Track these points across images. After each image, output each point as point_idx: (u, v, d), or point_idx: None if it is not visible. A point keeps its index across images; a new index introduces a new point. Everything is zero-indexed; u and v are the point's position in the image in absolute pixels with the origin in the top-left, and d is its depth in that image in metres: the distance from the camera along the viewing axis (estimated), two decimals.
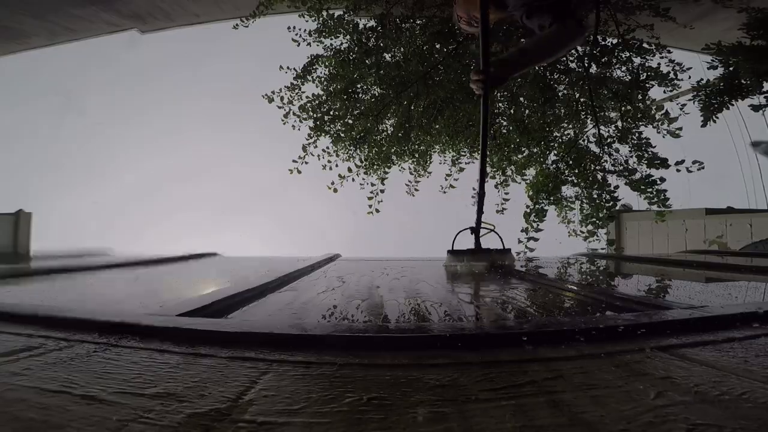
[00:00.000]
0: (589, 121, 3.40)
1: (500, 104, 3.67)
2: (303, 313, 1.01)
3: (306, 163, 3.58)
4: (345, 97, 3.56)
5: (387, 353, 0.59)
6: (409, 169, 3.94)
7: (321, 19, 3.59)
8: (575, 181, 3.24)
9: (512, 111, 3.58)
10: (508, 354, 0.59)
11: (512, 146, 3.56)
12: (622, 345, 0.62)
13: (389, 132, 3.72)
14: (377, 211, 3.62)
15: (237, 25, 3.77)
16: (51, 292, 1.33)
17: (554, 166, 3.30)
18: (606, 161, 3.21)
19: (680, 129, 2.98)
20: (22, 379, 0.49)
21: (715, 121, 3.19)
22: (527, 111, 3.58)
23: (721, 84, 3.10)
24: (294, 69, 3.68)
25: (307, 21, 3.70)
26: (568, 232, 3.43)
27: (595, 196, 3.16)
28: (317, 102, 3.63)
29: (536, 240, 3.10)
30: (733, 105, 3.16)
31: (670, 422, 0.39)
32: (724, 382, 0.47)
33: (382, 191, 3.66)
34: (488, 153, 3.73)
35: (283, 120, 3.69)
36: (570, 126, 3.52)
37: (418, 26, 3.52)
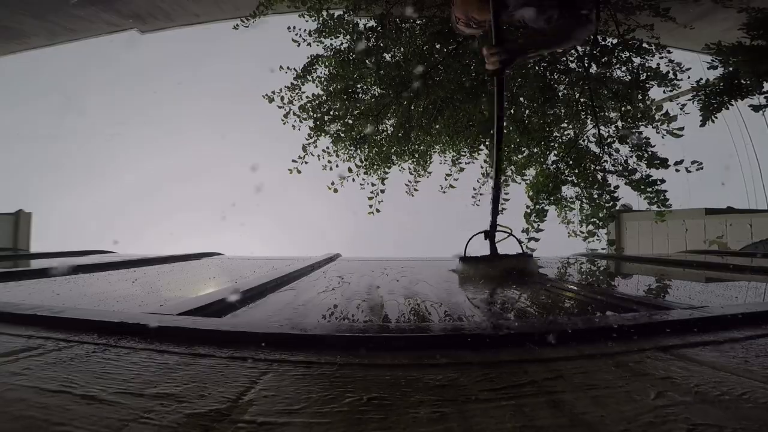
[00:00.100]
0: (589, 121, 3.40)
1: None
2: (303, 313, 1.01)
3: (306, 163, 3.58)
4: (345, 97, 3.57)
5: (387, 353, 0.59)
6: (409, 169, 3.94)
7: (321, 19, 3.59)
8: (575, 181, 3.24)
9: (512, 111, 3.58)
10: (508, 354, 0.59)
11: (512, 146, 3.56)
12: (622, 345, 0.62)
13: (389, 132, 3.72)
14: (378, 211, 3.62)
15: (237, 25, 3.78)
16: (51, 292, 1.33)
17: (554, 166, 3.30)
18: (606, 161, 3.21)
19: (681, 129, 2.98)
20: (22, 379, 0.49)
21: (713, 121, 3.19)
22: (527, 111, 3.58)
23: (720, 84, 3.10)
24: (294, 69, 3.69)
25: (307, 21, 3.70)
26: (568, 233, 3.43)
27: (596, 196, 3.16)
28: (317, 102, 3.63)
29: (537, 240, 3.10)
30: (732, 105, 3.16)
31: (670, 423, 0.38)
32: (725, 382, 0.47)
33: (383, 191, 3.66)
34: (488, 153, 3.74)
35: (283, 120, 3.70)
36: (570, 126, 3.53)
37: (418, 26, 3.52)
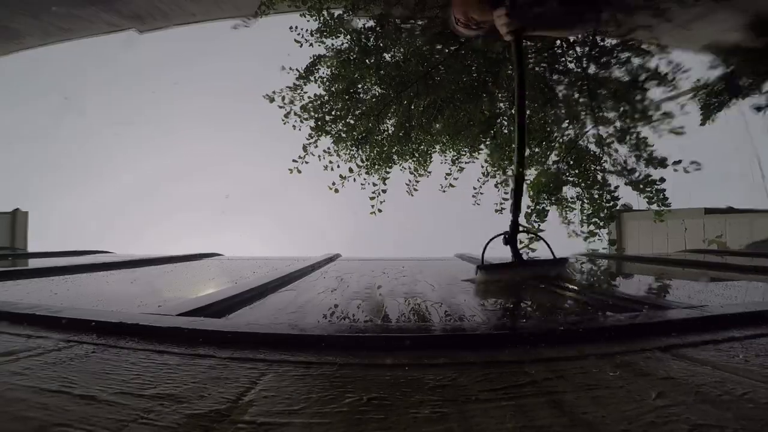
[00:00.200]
0: (588, 122, 3.40)
1: (501, 104, 3.66)
2: (303, 314, 1.01)
3: (306, 162, 3.58)
4: (346, 97, 3.56)
5: (387, 353, 0.59)
6: (409, 168, 3.94)
7: (322, 18, 3.59)
8: (576, 181, 3.24)
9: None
10: (508, 354, 0.59)
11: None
12: (622, 345, 0.61)
13: (390, 132, 3.72)
14: (380, 211, 3.62)
15: (237, 26, 3.78)
16: (49, 291, 1.33)
17: (555, 166, 3.30)
18: (606, 161, 3.21)
19: (682, 127, 2.98)
20: (22, 379, 0.49)
21: (713, 121, 3.20)
22: (528, 111, 3.58)
23: (721, 84, 3.10)
24: (296, 70, 3.69)
25: (308, 21, 3.70)
26: (569, 233, 3.43)
27: (596, 196, 3.16)
28: (319, 102, 3.62)
29: (538, 240, 3.10)
30: (732, 104, 3.17)
31: (671, 423, 0.38)
32: (725, 382, 0.47)
33: (384, 191, 3.66)
34: (488, 153, 3.74)
35: (283, 120, 3.69)
36: (570, 126, 3.53)
37: (419, 27, 3.52)
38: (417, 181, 3.96)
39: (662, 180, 2.89)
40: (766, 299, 1.21)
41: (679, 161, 2.84)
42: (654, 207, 2.94)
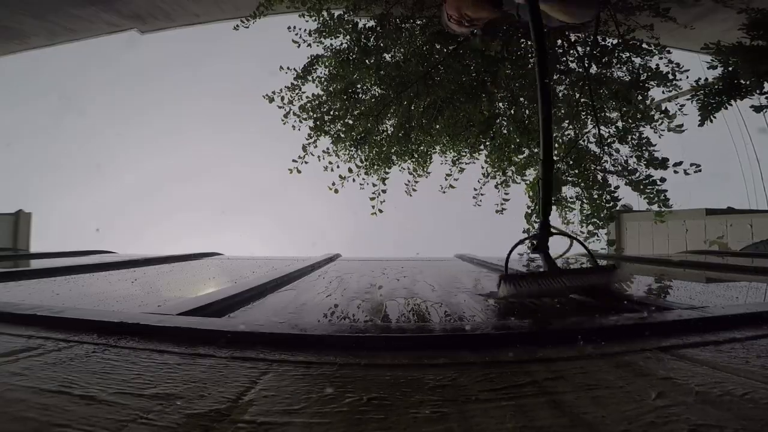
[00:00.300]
0: (589, 122, 3.40)
1: (500, 104, 3.67)
2: (303, 313, 1.01)
3: (306, 162, 3.58)
4: (345, 97, 3.57)
5: (387, 353, 0.59)
6: (408, 169, 3.94)
7: (321, 18, 3.59)
8: (576, 181, 3.24)
9: (512, 111, 3.58)
10: (508, 354, 0.59)
11: (513, 147, 3.56)
12: (623, 345, 0.61)
13: (389, 132, 3.73)
14: (380, 211, 3.62)
15: (237, 26, 3.78)
16: (51, 292, 1.33)
17: (554, 166, 3.30)
18: (606, 161, 3.21)
19: (681, 126, 2.98)
20: (22, 380, 0.49)
21: (712, 121, 3.19)
22: (527, 111, 3.58)
23: (720, 84, 3.10)
24: (294, 69, 3.69)
25: (307, 21, 3.70)
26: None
27: (596, 196, 3.16)
28: (317, 102, 3.63)
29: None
30: (731, 105, 3.16)
31: (671, 423, 0.38)
32: (726, 382, 0.47)
33: (384, 191, 3.66)
34: (488, 153, 3.74)
35: (283, 120, 3.70)
36: (570, 126, 3.53)
37: (418, 26, 3.52)
38: (416, 182, 3.96)
39: (663, 180, 2.89)
40: (766, 299, 1.21)
41: (680, 163, 2.84)
42: (654, 208, 2.94)
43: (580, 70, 3.32)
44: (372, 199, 3.62)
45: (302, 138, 3.58)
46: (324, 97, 3.64)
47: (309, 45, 3.74)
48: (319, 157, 3.61)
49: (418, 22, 3.52)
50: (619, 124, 3.19)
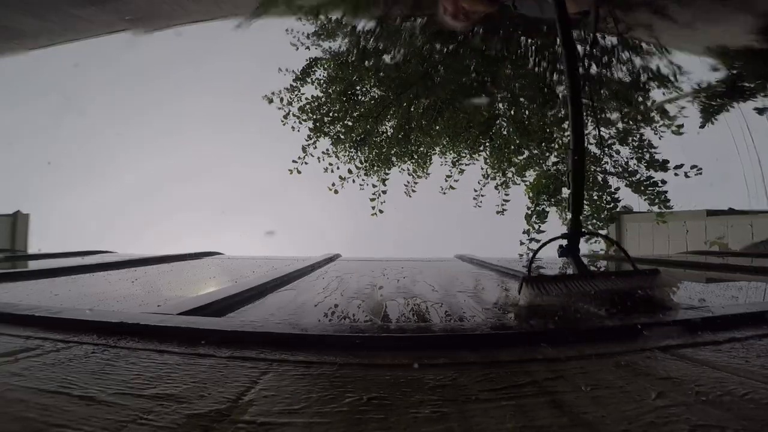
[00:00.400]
0: (589, 123, 3.40)
1: (500, 105, 3.66)
2: (303, 313, 1.01)
3: (306, 163, 3.58)
4: (344, 99, 3.57)
5: (387, 353, 0.59)
6: (408, 170, 3.94)
7: (319, 22, 3.59)
8: None
9: (512, 112, 3.58)
10: (508, 354, 0.59)
11: (512, 148, 3.56)
12: (623, 345, 0.61)
13: (389, 133, 3.73)
14: (381, 212, 3.62)
15: (237, 26, 3.78)
16: (50, 292, 1.33)
17: (555, 167, 3.30)
18: (606, 163, 3.21)
19: (681, 126, 2.98)
20: (21, 380, 0.49)
21: (713, 123, 3.19)
22: (527, 112, 3.58)
23: (722, 86, 3.09)
24: (293, 71, 3.69)
25: (304, 24, 3.70)
26: None
27: (596, 197, 3.16)
28: (316, 104, 3.63)
29: (538, 242, 3.09)
30: (733, 107, 3.16)
31: (671, 423, 0.38)
32: (726, 382, 0.47)
33: (384, 192, 3.66)
34: (488, 154, 3.74)
35: (282, 121, 3.70)
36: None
37: (418, 26, 3.52)
38: (416, 182, 3.96)
39: (663, 182, 2.89)
40: (766, 299, 1.21)
41: (681, 165, 2.84)
42: (655, 209, 2.94)
43: (580, 70, 3.31)
44: (372, 199, 3.62)
45: (302, 138, 3.58)
46: (323, 99, 3.64)
47: (307, 48, 3.74)
48: (319, 158, 3.61)
49: (418, 21, 3.52)
50: (620, 125, 3.19)
